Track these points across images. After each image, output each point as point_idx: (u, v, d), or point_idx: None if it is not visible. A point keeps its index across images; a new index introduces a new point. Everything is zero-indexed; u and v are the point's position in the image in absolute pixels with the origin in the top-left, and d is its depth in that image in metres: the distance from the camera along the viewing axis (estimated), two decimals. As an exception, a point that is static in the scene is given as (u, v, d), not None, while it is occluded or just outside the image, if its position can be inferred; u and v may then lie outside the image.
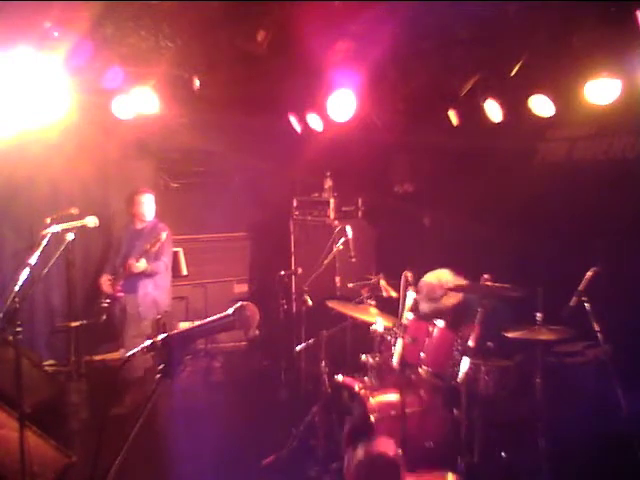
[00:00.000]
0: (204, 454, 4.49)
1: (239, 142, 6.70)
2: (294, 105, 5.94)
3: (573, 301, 3.77)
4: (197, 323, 2.12)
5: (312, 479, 4.21)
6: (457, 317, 4.39)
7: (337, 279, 5.94)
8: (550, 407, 3.78)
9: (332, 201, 6.51)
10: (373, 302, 4.63)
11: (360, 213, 6.69)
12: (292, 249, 6.84)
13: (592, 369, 3.90)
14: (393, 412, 3.93)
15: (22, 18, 3.78)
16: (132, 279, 5.68)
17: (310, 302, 5.03)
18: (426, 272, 4.59)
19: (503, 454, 3.91)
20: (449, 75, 4.80)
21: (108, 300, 5.68)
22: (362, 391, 4.05)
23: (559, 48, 3.98)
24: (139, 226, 5.90)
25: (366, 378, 4.22)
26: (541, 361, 3.80)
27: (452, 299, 4.46)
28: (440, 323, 4.31)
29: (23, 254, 4.15)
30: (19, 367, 3.53)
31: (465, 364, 3.92)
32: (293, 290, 6.45)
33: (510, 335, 3.86)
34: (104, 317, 5.64)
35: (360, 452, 3.41)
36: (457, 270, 4.46)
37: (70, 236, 4.39)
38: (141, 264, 5.57)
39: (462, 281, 4.43)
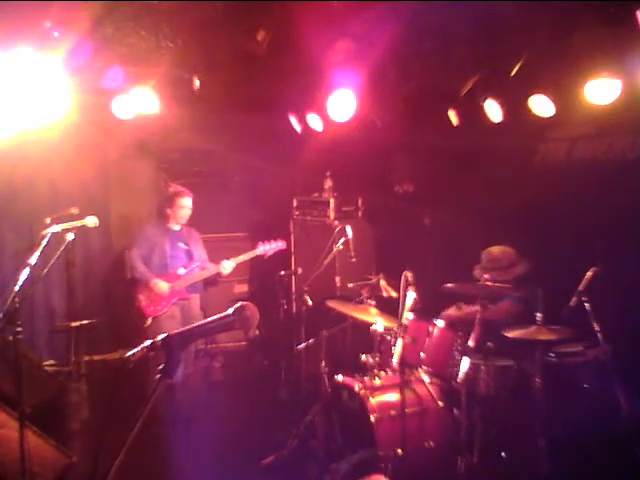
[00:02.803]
0: (204, 454, 4.49)
1: (239, 142, 6.70)
2: (294, 105, 5.94)
3: (573, 301, 3.77)
4: (197, 323, 2.13)
5: (312, 479, 4.21)
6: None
7: (337, 279, 5.94)
8: (550, 407, 3.77)
9: (332, 201, 6.50)
10: (373, 302, 4.62)
11: (360, 213, 6.68)
12: (292, 249, 6.84)
13: (592, 369, 3.90)
14: (393, 412, 3.93)
15: (22, 18, 3.78)
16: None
17: (310, 302, 5.03)
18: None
19: (503, 454, 3.91)
20: (449, 75, 4.80)
21: (163, 302, 5.51)
22: (362, 391, 4.05)
23: (559, 48, 3.98)
24: (175, 228, 5.80)
25: (366, 378, 4.22)
26: (541, 361, 3.80)
27: (519, 269, 4.44)
28: (440, 323, 4.31)
29: (23, 254, 4.14)
30: (19, 367, 3.53)
31: (465, 364, 3.92)
32: (293, 290, 6.45)
33: (510, 335, 3.86)
34: (150, 321, 5.52)
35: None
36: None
37: (70, 236, 4.39)
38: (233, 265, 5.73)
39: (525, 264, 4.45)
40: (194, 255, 5.76)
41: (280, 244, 5.99)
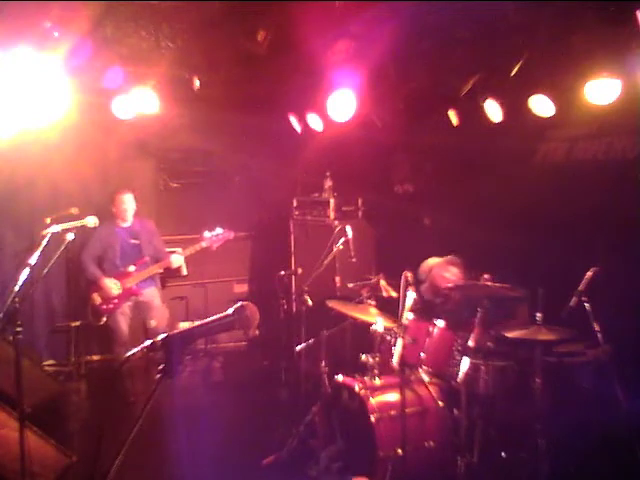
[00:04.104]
0: (204, 454, 4.49)
1: (239, 142, 6.70)
2: (294, 105, 5.94)
3: (573, 301, 3.77)
4: (197, 323, 2.12)
5: (312, 479, 4.21)
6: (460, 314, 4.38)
7: (337, 279, 5.94)
8: (550, 407, 3.77)
9: (332, 201, 6.50)
10: (373, 302, 4.62)
11: (360, 213, 6.68)
12: (292, 249, 6.84)
13: (592, 369, 3.90)
14: (393, 412, 3.92)
15: (22, 18, 3.79)
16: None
17: (310, 302, 5.02)
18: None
19: (503, 454, 3.90)
20: (449, 75, 4.80)
21: (115, 301, 5.66)
22: (362, 391, 4.05)
23: (559, 48, 3.98)
24: (124, 224, 5.88)
25: (366, 378, 4.22)
26: (541, 361, 3.80)
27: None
28: (440, 323, 4.31)
29: (23, 254, 4.15)
30: (19, 367, 3.53)
31: (465, 364, 3.92)
32: (293, 290, 6.45)
33: (510, 335, 3.86)
34: (104, 319, 5.65)
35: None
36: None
37: (70, 236, 4.39)
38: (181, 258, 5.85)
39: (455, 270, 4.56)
40: (143, 250, 5.83)
41: (228, 234, 6.01)
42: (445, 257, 4.63)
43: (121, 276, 5.70)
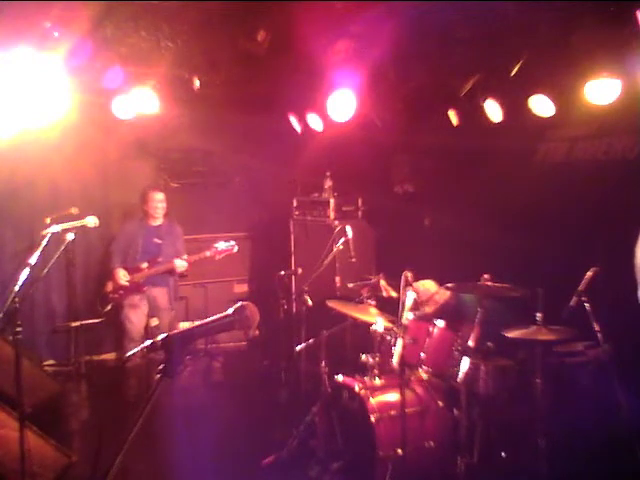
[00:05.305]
0: (204, 454, 4.49)
1: (239, 142, 6.70)
2: (294, 105, 5.94)
3: (573, 301, 3.77)
4: (197, 323, 2.13)
5: (312, 479, 4.21)
6: (453, 318, 4.40)
7: (337, 279, 5.93)
8: (550, 407, 3.77)
9: (332, 201, 6.50)
10: (373, 302, 4.62)
11: (360, 213, 6.68)
12: (292, 249, 6.84)
13: (592, 369, 3.90)
14: (393, 412, 3.92)
15: (22, 18, 3.79)
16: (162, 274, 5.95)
17: (310, 302, 5.02)
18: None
19: (503, 454, 3.91)
20: (449, 75, 4.80)
21: (121, 291, 5.77)
22: (362, 391, 4.05)
23: (559, 48, 3.98)
24: (154, 223, 6.00)
25: (366, 378, 4.22)
26: (541, 361, 3.80)
27: (432, 306, 4.59)
28: (440, 323, 4.31)
29: (23, 254, 4.15)
30: (19, 367, 3.53)
31: (465, 364, 3.92)
32: (293, 290, 6.45)
33: (510, 335, 3.86)
34: (109, 307, 5.77)
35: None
36: (442, 281, 4.52)
37: (70, 236, 4.40)
38: (185, 264, 5.92)
39: (445, 292, 4.58)
40: (163, 251, 5.93)
41: (232, 247, 6.10)
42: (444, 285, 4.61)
43: (133, 270, 5.83)
